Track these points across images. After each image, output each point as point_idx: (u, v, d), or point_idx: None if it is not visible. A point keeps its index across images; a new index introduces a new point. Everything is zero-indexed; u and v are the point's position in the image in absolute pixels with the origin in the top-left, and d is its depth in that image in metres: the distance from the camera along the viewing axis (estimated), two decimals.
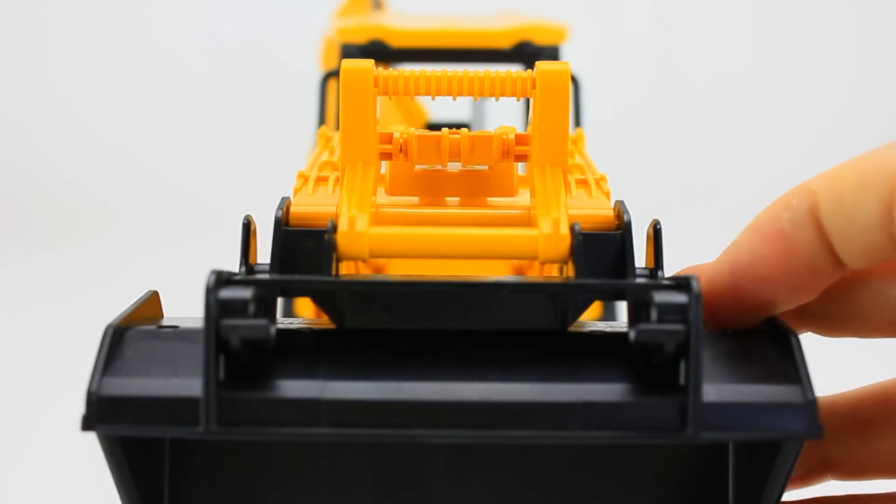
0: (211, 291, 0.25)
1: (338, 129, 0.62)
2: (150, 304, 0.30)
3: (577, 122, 0.69)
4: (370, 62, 0.32)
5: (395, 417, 0.25)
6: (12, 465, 0.67)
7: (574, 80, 0.66)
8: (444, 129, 0.33)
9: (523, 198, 0.34)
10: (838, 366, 0.43)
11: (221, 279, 0.25)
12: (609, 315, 0.68)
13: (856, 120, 1.25)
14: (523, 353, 0.27)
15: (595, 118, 0.75)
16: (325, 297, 0.28)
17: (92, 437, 0.27)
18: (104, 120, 1.28)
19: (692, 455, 0.30)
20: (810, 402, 0.26)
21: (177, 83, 1.30)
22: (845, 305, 0.31)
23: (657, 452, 0.30)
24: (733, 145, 1.25)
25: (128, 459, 0.27)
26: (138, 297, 0.30)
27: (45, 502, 0.63)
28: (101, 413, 0.25)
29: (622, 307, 0.66)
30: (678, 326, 0.25)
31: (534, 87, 0.32)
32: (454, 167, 0.34)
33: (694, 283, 0.25)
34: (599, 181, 0.35)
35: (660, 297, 0.25)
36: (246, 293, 0.25)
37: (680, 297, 0.25)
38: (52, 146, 1.28)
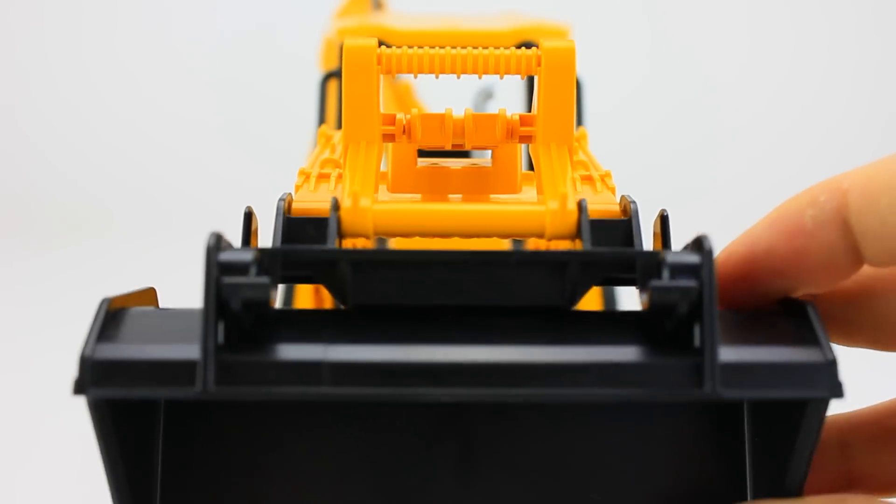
0: (212, 252, 0.24)
1: (339, 127, 0.62)
2: (147, 297, 0.30)
3: (580, 122, 0.68)
4: (374, 40, 0.32)
5: (401, 377, 0.24)
6: (11, 467, 0.66)
7: (577, 82, 0.66)
8: (448, 109, 0.32)
9: (527, 195, 0.34)
10: (861, 383, 0.42)
11: (223, 242, 0.25)
12: (609, 308, 0.67)
13: (857, 114, 1.25)
14: (532, 323, 0.26)
15: (597, 118, 0.75)
16: (327, 272, 0.28)
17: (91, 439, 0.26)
18: (106, 119, 1.28)
19: (706, 438, 0.29)
20: (831, 362, 0.25)
21: (178, 83, 1.29)
22: (865, 311, 0.30)
23: (669, 444, 0.30)
24: (735, 143, 1.25)
25: (117, 432, 0.26)
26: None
27: (46, 500, 0.62)
28: (94, 376, 0.24)
29: (622, 302, 0.65)
30: (691, 283, 0.24)
31: (539, 65, 0.32)
32: (457, 164, 0.34)
33: (706, 242, 0.25)
34: (604, 177, 0.34)
35: (672, 257, 0.25)
36: (247, 256, 0.25)
37: (692, 258, 0.25)
38: (54, 145, 1.27)
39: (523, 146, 0.35)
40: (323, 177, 0.34)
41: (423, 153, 0.35)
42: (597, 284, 0.28)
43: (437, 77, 0.32)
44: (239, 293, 0.24)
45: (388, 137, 0.32)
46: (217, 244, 0.24)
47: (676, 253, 0.25)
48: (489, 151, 0.35)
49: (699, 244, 0.25)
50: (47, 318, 0.89)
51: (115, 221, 1.17)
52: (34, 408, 0.73)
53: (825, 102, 1.25)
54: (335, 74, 0.69)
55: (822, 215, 0.27)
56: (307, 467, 0.29)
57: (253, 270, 0.25)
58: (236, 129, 1.27)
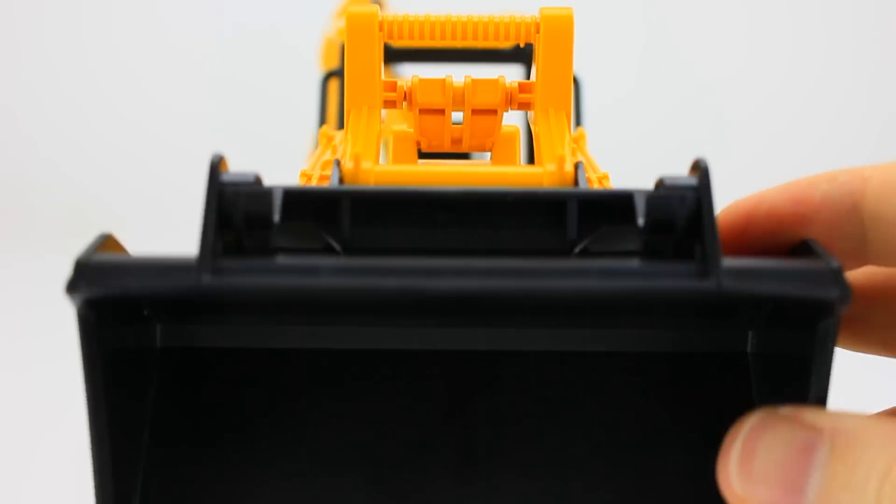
0: (215, 166, 0.24)
1: (340, 127, 0.62)
2: None
3: (578, 122, 0.69)
4: (375, 7, 0.32)
5: (403, 272, 0.23)
6: (18, 470, 0.66)
7: (575, 80, 0.66)
8: (448, 75, 0.33)
9: None
10: (875, 390, 0.41)
11: (224, 160, 0.25)
12: None
13: (855, 113, 1.25)
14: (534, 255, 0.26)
15: (595, 117, 0.75)
16: (327, 215, 0.27)
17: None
18: (110, 119, 1.27)
19: (711, 385, 0.29)
20: (836, 269, 0.24)
21: (183, 82, 1.29)
22: (878, 312, 0.30)
23: (675, 410, 0.29)
24: (730, 143, 1.25)
25: (105, 366, 0.25)
26: None
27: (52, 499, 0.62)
28: (88, 276, 0.23)
29: None
30: (690, 190, 0.24)
31: (538, 32, 0.32)
32: (457, 165, 0.34)
33: (703, 162, 0.25)
34: (602, 179, 0.34)
35: (670, 180, 0.25)
36: (249, 177, 0.25)
37: (690, 179, 0.25)
38: (58, 144, 1.27)
39: (523, 152, 0.35)
40: (324, 178, 0.34)
41: (423, 155, 0.35)
42: None
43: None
44: (240, 203, 0.24)
45: (390, 104, 0.33)
46: (219, 161, 0.24)
47: (674, 176, 0.25)
48: (489, 154, 0.35)
49: (696, 165, 0.25)
50: (54, 321, 0.88)
51: (121, 222, 1.17)
52: (42, 406, 0.72)
53: (824, 102, 1.25)
54: (336, 74, 0.70)
55: (834, 193, 0.27)
56: (302, 459, 0.29)
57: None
58: (242, 128, 1.26)
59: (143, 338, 0.29)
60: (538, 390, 0.30)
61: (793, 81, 1.27)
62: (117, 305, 0.26)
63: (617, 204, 0.26)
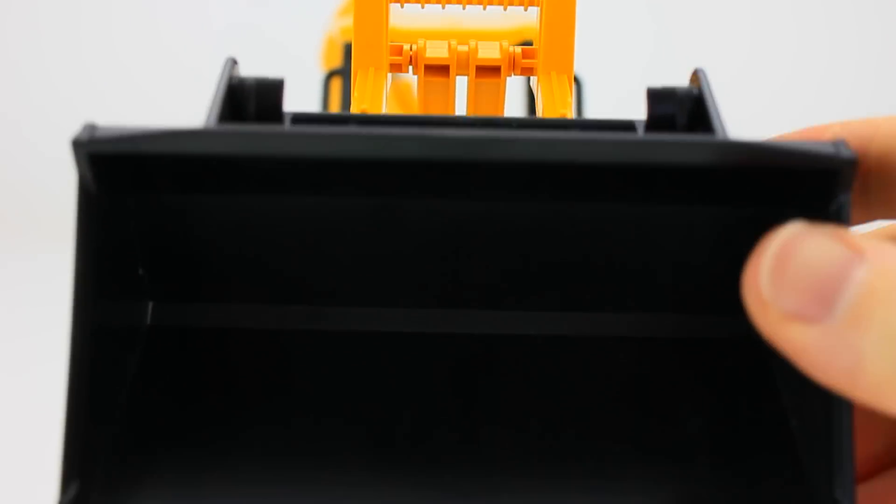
0: (229, 64, 0.25)
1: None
2: None
3: None
4: None
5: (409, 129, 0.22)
6: (15, 468, 0.66)
7: (577, 80, 0.67)
8: (453, 41, 0.34)
9: None
10: None
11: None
12: None
13: (862, 109, 1.25)
14: None
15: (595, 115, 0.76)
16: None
17: None
18: (111, 120, 1.28)
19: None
20: (840, 141, 0.23)
21: (182, 82, 1.28)
22: None
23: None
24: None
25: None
26: None
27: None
28: (96, 131, 0.23)
29: None
30: (690, 91, 0.25)
31: None
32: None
33: (701, 70, 0.25)
34: None
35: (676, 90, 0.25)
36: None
37: (693, 88, 0.25)
38: (52, 141, 1.27)
39: None
40: None
41: None
42: None
43: (443, 7, 0.34)
44: (250, 91, 0.25)
45: (396, 67, 0.34)
46: (233, 63, 0.25)
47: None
48: None
49: (695, 75, 0.25)
50: (53, 320, 0.88)
51: None
52: (40, 406, 0.72)
53: (831, 102, 1.26)
54: (338, 73, 0.70)
55: (843, 134, 0.27)
56: (296, 442, 0.28)
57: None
58: None
59: (134, 315, 0.29)
60: (542, 375, 0.29)
61: (798, 83, 1.27)
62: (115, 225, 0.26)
63: (619, 128, 0.26)
